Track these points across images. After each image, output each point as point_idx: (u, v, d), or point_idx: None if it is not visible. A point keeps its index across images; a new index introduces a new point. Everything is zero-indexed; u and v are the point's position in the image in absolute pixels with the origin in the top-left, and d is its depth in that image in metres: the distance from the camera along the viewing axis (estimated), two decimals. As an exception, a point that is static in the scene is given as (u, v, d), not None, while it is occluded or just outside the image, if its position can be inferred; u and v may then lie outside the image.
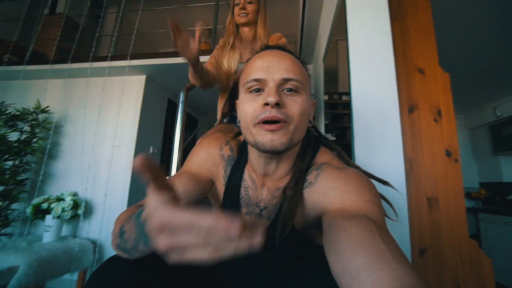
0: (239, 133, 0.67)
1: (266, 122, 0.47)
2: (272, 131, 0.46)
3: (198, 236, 0.24)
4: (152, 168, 0.28)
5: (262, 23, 1.27)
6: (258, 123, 0.47)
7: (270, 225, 0.55)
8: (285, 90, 0.49)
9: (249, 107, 0.49)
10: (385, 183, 0.56)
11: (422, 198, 0.86)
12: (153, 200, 0.27)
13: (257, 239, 0.24)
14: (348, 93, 0.96)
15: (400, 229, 0.78)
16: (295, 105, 0.48)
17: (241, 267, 0.61)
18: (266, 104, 0.46)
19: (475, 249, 0.79)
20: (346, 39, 0.99)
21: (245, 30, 1.30)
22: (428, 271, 0.79)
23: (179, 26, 0.83)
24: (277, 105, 0.46)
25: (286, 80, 0.48)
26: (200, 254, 0.24)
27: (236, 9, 1.27)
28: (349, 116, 0.96)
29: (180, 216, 0.24)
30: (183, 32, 0.86)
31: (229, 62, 1.24)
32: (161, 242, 0.25)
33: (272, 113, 0.46)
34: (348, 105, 0.97)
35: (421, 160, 0.89)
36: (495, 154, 3.36)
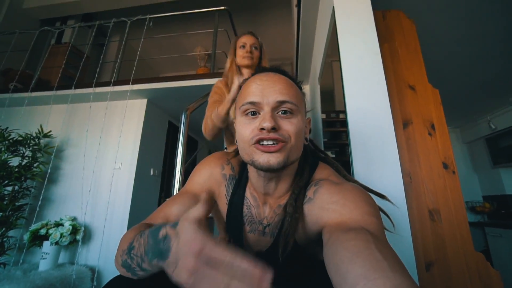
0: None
1: (263, 141, 0.48)
2: (269, 152, 0.48)
3: (226, 274, 0.26)
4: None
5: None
6: (255, 144, 0.49)
7: (274, 242, 0.55)
8: (280, 112, 0.50)
9: (245, 130, 0.50)
10: (382, 196, 0.57)
11: (423, 210, 0.86)
12: (190, 227, 0.30)
13: None
14: (345, 111, 1.00)
15: (403, 243, 0.78)
16: (290, 126, 0.49)
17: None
18: (263, 128, 0.48)
19: (482, 262, 0.78)
20: (339, 60, 1.05)
21: (246, 72, 1.32)
22: (436, 286, 0.77)
23: None
24: (273, 129, 0.48)
25: (281, 103, 0.50)
26: None
27: (242, 51, 1.30)
28: (347, 133, 0.99)
29: (222, 252, 0.27)
30: None
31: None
32: (190, 264, 0.27)
33: (269, 135, 0.47)
34: (345, 123, 1.00)
35: (419, 173, 0.91)
36: (495, 167, 3.36)
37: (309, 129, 0.59)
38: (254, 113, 0.51)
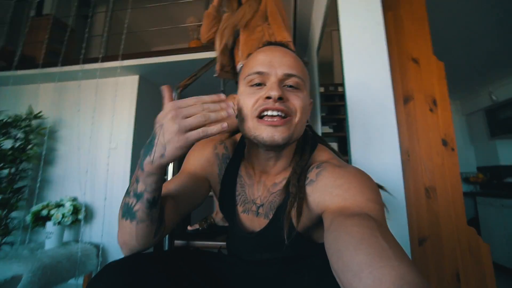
0: (234, 133, 0.67)
1: (268, 112, 0.46)
2: (274, 126, 0.46)
3: (199, 108, 0.39)
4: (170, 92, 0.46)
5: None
6: (258, 116, 0.47)
7: (269, 224, 0.54)
8: (286, 86, 0.49)
9: (249, 100, 0.48)
10: (380, 187, 0.56)
11: (419, 188, 0.86)
12: (164, 110, 0.42)
13: (230, 111, 0.41)
14: (343, 85, 0.95)
15: (398, 220, 0.79)
16: (297, 100, 0.48)
17: (241, 268, 0.61)
18: (269, 97, 0.46)
19: (473, 237, 0.80)
20: (338, 30, 0.98)
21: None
22: (427, 260, 0.80)
23: None
24: (280, 99, 0.46)
25: (289, 76, 0.48)
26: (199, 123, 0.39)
27: None
28: (344, 108, 0.95)
29: (187, 100, 0.41)
30: None
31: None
32: (173, 127, 0.39)
33: (275, 106, 0.46)
34: (344, 97, 0.96)
35: (417, 150, 0.89)
36: (492, 138, 3.38)
37: (309, 111, 0.57)
38: (259, 84, 0.49)
